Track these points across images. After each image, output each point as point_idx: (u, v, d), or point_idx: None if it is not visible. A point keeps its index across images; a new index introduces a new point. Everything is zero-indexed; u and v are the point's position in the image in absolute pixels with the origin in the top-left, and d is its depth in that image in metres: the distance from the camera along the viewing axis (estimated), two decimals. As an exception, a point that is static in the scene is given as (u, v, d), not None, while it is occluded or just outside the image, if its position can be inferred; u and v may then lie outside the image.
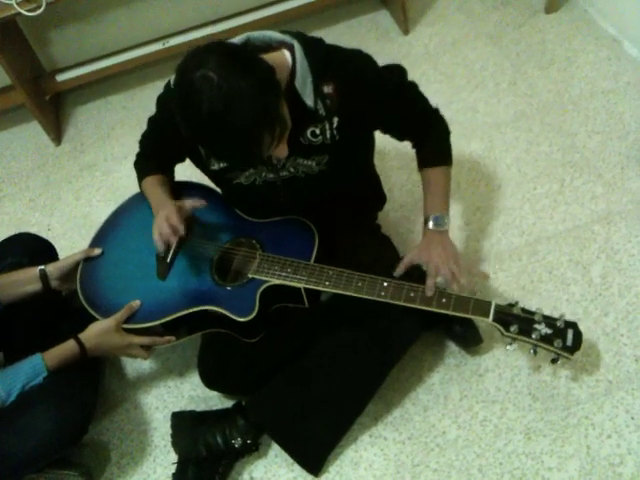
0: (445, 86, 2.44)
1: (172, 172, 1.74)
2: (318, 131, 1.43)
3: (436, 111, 1.59)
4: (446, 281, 1.47)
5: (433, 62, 2.54)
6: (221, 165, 1.52)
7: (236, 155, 1.28)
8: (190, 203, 1.57)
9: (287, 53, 1.35)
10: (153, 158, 1.69)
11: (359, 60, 1.43)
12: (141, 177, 1.70)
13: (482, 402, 1.66)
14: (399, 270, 1.52)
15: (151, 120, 1.62)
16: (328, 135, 1.43)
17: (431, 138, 1.60)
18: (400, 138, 1.61)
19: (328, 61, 1.38)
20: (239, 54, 1.22)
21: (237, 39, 1.35)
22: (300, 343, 1.61)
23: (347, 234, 1.66)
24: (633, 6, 2.31)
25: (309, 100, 1.37)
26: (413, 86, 1.54)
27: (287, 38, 1.37)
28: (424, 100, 1.56)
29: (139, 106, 2.70)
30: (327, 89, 1.38)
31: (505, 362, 1.70)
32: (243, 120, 1.17)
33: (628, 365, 1.64)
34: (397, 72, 1.51)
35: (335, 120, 1.42)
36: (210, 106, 1.15)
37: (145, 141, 1.70)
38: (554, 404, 1.61)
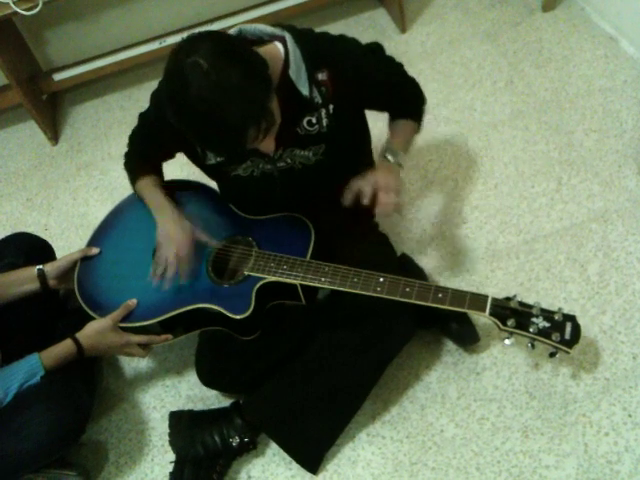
0: (442, 85, 2.44)
1: (161, 170, 1.74)
2: (314, 120, 1.43)
3: (412, 80, 1.62)
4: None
5: (430, 61, 2.54)
6: (217, 160, 1.51)
7: (217, 145, 1.29)
8: (199, 235, 1.59)
9: (279, 45, 1.35)
10: (143, 156, 1.69)
11: (348, 44, 1.45)
12: (134, 178, 1.69)
13: (479, 400, 1.66)
14: (347, 196, 1.46)
15: (143, 115, 1.62)
16: (324, 123, 1.44)
17: (407, 106, 1.63)
18: (381, 110, 1.63)
19: (320, 49, 1.39)
20: (233, 45, 1.22)
21: (229, 32, 1.35)
22: (297, 341, 1.61)
23: (344, 231, 1.66)
24: (630, 4, 2.31)
25: (304, 89, 1.37)
26: (392, 59, 1.56)
27: (278, 31, 1.37)
28: (403, 72, 1.59)
29: (136, 105, 2.70)
30: (321, 76, 1.39)
31: (502, 360, 1.71)
32: (228, 112, 1.17)
33: (625, 363, 1.64)
34: (379, 50, 1.53)
35: (331, 107, 1.42)
36: (197, 94, 1.15)
37: (135, 137, 1.69)
38: (551, 402, 1.62)
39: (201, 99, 1.15)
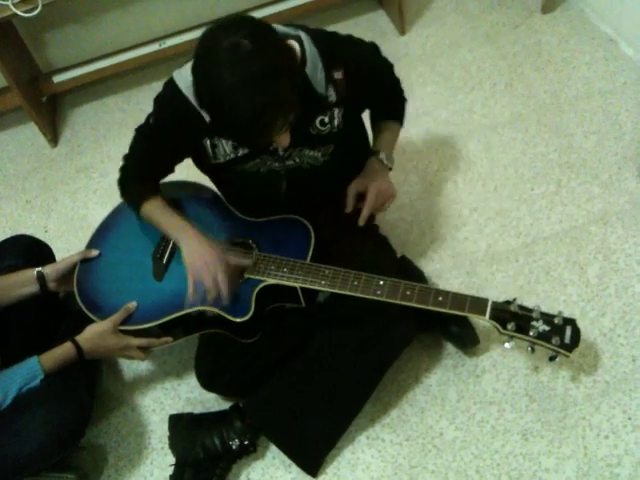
0: (442, 87, 2.44)
1: (159, 189, 1.65)
2: (327, 119, 1.44)
3: (399, 81, 1.67)
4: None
5: (430, 63, 2.53)
6: (227, 158, 1.50)
7: (244, 130, 1.23)
8: (234, 260, 1.52)
9: (295, 43, 1.35)
10: (144, 174, 1.61)
11: (357, 44, 1.49)
12: (138, 203, 1.61)
13: (479, 403, 1.66)
14: (349, 203, 1.57)
15: (141, 128, 1.57)
16: (335, 123, 1.45)
17: (392, 105, 1.70)
18: (370, 109, 1.69)
19: (334, 47, 1.41)
20: (270, 31, 1.23)
21: None
22: (296, 341, 1.61)
23: (344, 234, 1.66)
24: (629, 6, 2.31)
25: (320, 87, 1.38)
26: (386, 60, 1.61)
27: (291, 30, 1.38)
28: (393, 72, 1.65)
29: (136, 108, 2.70)
30: (337, 75, 1.40)
31: (502, 363, 1.70)
32: (265, 96, 1.17)
33: (625, 365, 1.64)
34: (376, 51, 1.56)
35: (342, 106, 1.44)
36: (234, 77, 1.14)
37: (134, 154, 1.61)
38: (551, 405, 1.61)
39: (239, 83, 1.15)
